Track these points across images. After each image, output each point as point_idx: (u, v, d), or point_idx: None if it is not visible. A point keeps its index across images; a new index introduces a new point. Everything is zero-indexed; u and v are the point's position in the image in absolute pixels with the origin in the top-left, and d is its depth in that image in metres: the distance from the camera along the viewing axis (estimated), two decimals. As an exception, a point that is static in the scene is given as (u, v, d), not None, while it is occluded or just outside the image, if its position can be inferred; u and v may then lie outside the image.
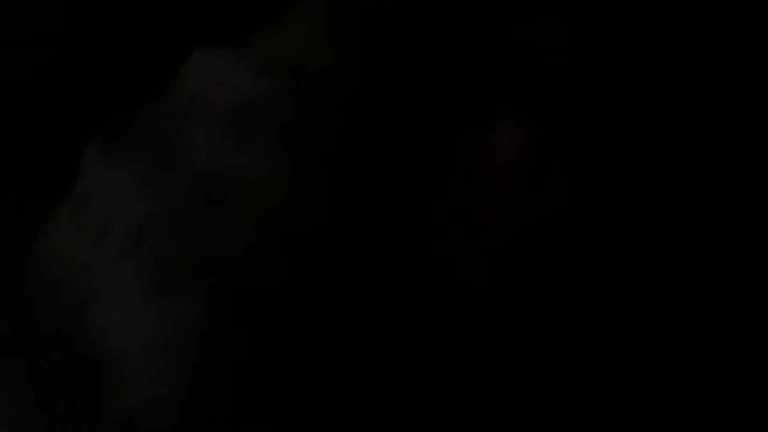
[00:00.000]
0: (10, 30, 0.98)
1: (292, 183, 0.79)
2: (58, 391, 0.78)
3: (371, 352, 0.75)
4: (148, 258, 0.78)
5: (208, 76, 0.86)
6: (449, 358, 0.75)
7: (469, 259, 0.78)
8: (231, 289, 0.76)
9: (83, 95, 0.98)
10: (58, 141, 0.95)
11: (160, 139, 0.85)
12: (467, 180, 0.81)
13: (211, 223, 0.79)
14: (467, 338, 0.76)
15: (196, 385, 0.74)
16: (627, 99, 0.84)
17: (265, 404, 0.74)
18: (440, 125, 0.83)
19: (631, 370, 0.76)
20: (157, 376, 0.75)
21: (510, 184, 0.81)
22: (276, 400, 0.74)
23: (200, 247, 0.78)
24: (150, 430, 0.74)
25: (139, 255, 0.79)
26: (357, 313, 0.76)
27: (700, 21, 0.87)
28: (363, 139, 0.82)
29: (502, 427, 0.73)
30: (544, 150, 0.81)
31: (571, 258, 0.79)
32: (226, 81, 0.85)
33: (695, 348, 0.77)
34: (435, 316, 0.76)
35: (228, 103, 0.84)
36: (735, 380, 0.76)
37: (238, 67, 0.85)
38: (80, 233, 0.84)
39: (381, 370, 0.74)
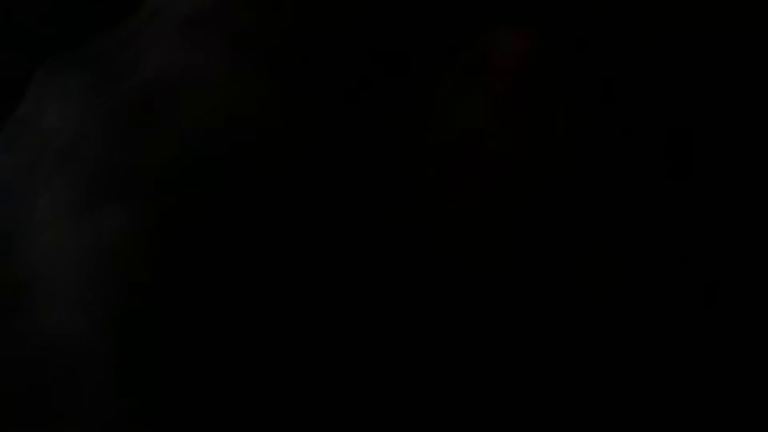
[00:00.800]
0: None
1: (245, 87, 0.70)
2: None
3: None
4: (80, 172, 0.68)
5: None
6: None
7: (457, 215, 0.67)
8: (167, 203, 0.65)
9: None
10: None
11: (106, 54, 0.77)
12: (459, 97, 0.70)
13: (155, 131, 0.69)
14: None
15: (115, 315, 0.63)
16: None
17: (187, 349, 0.62)
18: (424, 30, 0.73)
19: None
20: (75, 303, 0.64)
21: (508, 99, 0.69)
22: (201, 344, 0.62)
23: (137, 157, 0.67)
24: (60, 365, 0.63)
25: (71, 171, 0.69)
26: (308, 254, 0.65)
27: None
28: (328, 46, 0.73)
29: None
30: (547, 58, 0.70)
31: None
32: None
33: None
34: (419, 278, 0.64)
35: (179, 12, 0.76)
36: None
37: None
38: (16, 159, 0.75)
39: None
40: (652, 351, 0.65)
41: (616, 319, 0.65)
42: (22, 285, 0.68)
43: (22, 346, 0.66)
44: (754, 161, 0.69)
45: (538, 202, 0.67)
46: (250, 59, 0.71)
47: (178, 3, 0.77)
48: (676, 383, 0.65)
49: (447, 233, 0.66)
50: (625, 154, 0.68)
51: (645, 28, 0.72)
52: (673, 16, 0.72)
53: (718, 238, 0.66)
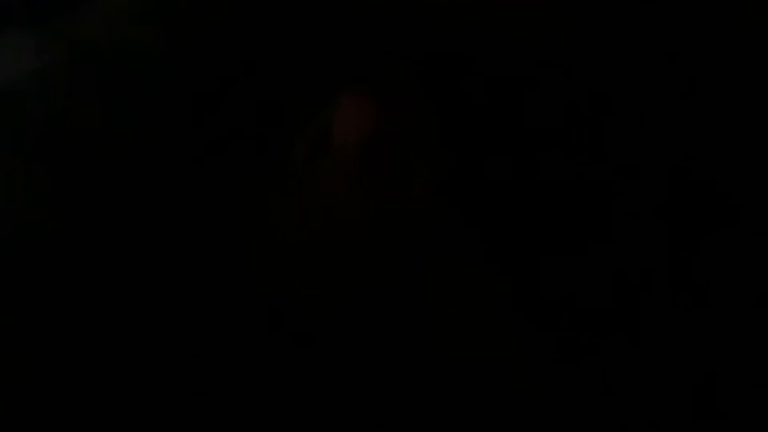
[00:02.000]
0: None
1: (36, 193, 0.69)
2: None
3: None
4: None
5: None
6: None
7: (312, 279, 0.67)
8: None
9: None
10: None
11: None
12: (308, 168, 0.70)
13: None
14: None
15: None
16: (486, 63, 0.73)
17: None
18: (270, 117, 0.72)
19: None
20: None
21: (357, 173, 0.69)
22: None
23: None
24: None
25: None
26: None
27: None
28: (163, 140, 0.71)
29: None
30: (394, 128, 0.69)
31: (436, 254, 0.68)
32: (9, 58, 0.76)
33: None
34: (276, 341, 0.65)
35: None
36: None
37: (23, 48, 0.76)
38: None
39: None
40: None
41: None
42: None
43: None
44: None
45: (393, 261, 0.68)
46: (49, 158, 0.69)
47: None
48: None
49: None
50: (476, 206, 0.69)
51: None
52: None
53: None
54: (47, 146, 0.69)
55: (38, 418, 0.62)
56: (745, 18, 0.77)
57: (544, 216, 0.69)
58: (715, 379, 0.67)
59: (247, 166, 0.70)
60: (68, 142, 0.70)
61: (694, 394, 0.66)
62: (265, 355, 0.65)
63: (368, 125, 0.69)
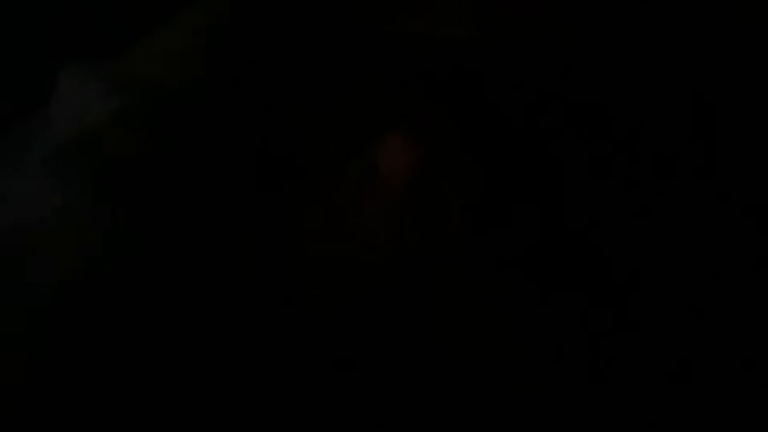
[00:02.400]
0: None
1: (110, 231, 0.71)
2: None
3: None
4: None
5: (66, 97, 0.80)
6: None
7: (352, 300, 0.71)
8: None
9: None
10: None
11: None
12: (351, 207, 0.74)
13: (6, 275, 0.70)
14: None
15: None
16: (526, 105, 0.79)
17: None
18: (316, 152, 0.77)
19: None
20: None
21: (396, 208, 0.74)
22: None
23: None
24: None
25: None
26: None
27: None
28: (218, 172, 0.75)
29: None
30: (436, 163, 0.75)
31: (470, 281, 0.73)
32: (78, 103, 0.79)
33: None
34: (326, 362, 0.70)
35: (65, 132, 0.77)
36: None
37: (92, 87, 0.79)
38: None
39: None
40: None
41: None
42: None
43: None
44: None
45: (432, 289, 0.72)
46: (121, 198, 0.72)
47: (67, 115, 0.78)
48: None
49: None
50: (508, 244, 0.74)
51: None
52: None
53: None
54: (112, 182, 0.73)
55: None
56: (745, 18, 0.82)
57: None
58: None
59: (293, 192, 0.75)
60: (132, 176, 0.73)
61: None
62: (292, 370, 0.69)
63: (414, 161, 0.74)
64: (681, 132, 0.79)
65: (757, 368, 0.71)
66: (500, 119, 0.77)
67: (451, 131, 0.77)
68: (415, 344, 0.71)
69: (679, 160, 0.78)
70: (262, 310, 0.70)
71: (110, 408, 0.66)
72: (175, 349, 0.68)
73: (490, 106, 0.78)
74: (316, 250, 0.73)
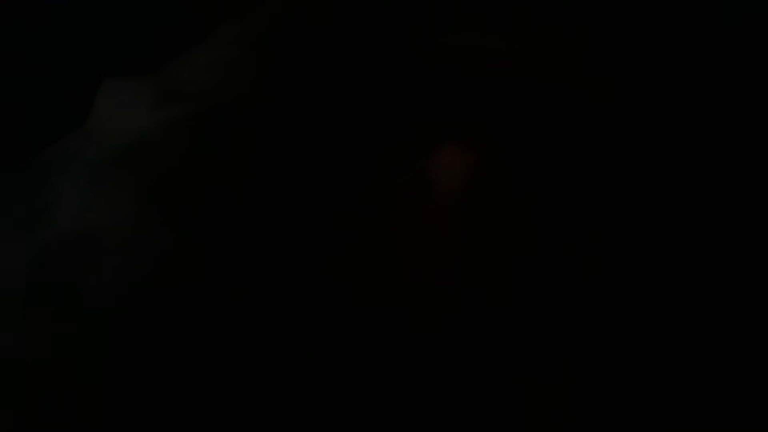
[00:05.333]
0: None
1: (162, 241, 0.71)
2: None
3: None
4: None
5: (108, 110, 0.80)
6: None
7: (413, 311, 0.70)
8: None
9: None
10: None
11: (25, 196, 0.79)
12: (404, 220, 0.72)
13: (67, 288, 0.70)
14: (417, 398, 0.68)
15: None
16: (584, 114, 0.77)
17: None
18: (368, 162, 0.75)
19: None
20: None
21: (452, 218, 0.72)
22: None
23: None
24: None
25: None
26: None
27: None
28: (267, 184, 0.74)
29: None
30: (490, 176, 0.72)
31: (530, 294, 0.71)
32: (122, 116, 0.78)
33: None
34: (378, 376, 0.68)
35: (113, 144, 0.77)
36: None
37: (136, 100, 0.78)
38: None
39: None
40: None
41: None
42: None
43: None
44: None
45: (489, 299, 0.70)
46: (161, 212, 0.72)
47: (114, 127, 0.78)
48: None
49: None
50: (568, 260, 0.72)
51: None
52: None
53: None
54: (162, 192, 0.73)
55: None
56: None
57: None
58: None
59: (343, 207, 0.73)
60: (183, 186, 0.73)
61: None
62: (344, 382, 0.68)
63: (468, 173, 0.72)
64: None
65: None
66: (552, 132, 0.76)
67: (504, 144, 0.75)
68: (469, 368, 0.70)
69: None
70: (311, 327, 0.69)
71: (161, 415, 0.65)
72: (223, 360, 0.67)
73: (542, 120, 0.76)
74: (369, 267, 0.71)
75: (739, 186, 0.76)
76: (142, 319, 0.67)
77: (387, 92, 0.78)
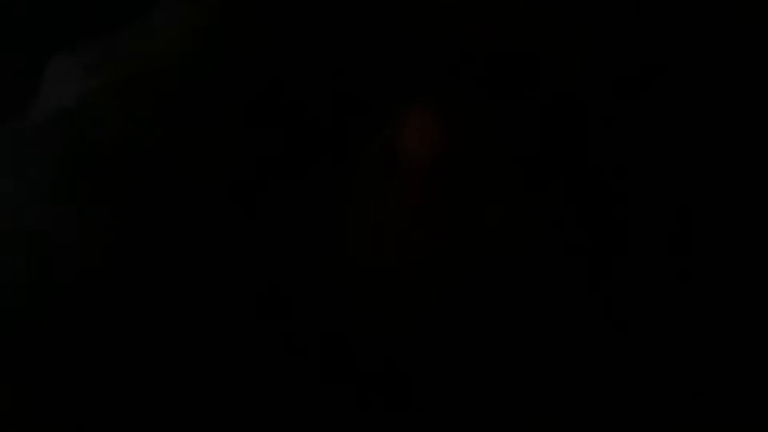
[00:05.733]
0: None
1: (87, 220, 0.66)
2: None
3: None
4: None
5: (50, 83, 0.73)
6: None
7: (390, 298, 0.65)
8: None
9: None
10: None
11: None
12: (374, 193, 0.66)
13: None
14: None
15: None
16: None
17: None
18: (327, 134, 0.68)
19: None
20: None
21: (422, 193, 0.65)
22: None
23: None
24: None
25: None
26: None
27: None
28: (219, 157, 0.67)
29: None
30: (464, 145, 0.65)
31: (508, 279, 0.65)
32: (58, 88, 0.72)
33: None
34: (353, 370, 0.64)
35: (44, 112, 0.72)
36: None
37: (73, 69, 0.72)
38: None
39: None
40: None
41: None
42: None
43: None
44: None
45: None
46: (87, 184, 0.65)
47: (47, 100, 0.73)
48: None
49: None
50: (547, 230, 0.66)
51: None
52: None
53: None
54: (108, 169, 0.67)
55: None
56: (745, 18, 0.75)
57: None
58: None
59: (306, 182, 0.67)
60: (128, 163, 0.67)
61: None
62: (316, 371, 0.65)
63: (442, 142, 0.66)
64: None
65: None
66: (536, 98, 0.69)
67: (480, 109, 0.68)
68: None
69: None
70: (275, 313, 0.65)
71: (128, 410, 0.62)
72: (179, 345, 0.63)
73: (526, 85, 0.70)
74: (337, 252, 0.66)
75: (737, 174, 0.72)
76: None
77: (350, 49, 0.71)
